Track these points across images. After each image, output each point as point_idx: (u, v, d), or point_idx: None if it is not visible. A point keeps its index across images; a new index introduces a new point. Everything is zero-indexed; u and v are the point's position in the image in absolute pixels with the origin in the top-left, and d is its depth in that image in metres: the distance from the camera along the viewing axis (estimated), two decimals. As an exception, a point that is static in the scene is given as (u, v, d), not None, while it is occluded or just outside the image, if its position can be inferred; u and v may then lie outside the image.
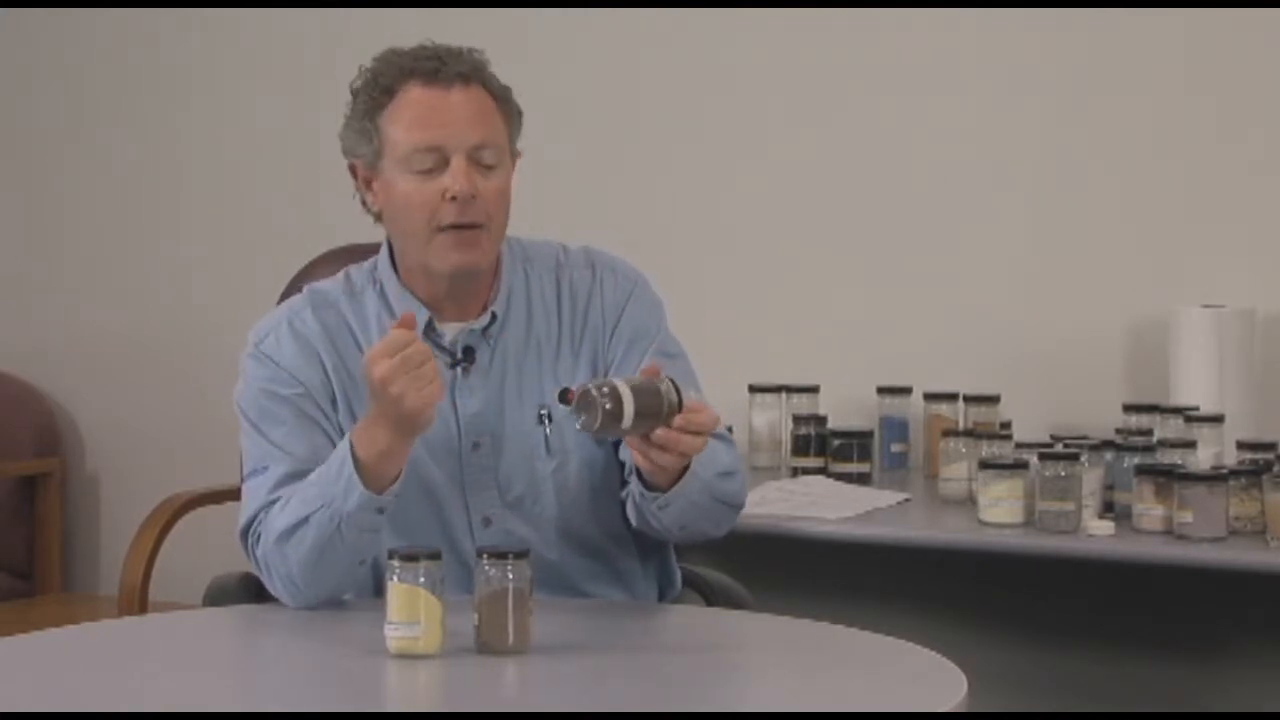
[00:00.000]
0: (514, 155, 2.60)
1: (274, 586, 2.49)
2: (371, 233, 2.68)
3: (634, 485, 2.50)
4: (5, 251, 4.92)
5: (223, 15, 4.59)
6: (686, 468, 2.41)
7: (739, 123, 4.10)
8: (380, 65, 2.57)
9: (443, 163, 2.52)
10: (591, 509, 2.60)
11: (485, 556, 2.23)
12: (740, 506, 2.58)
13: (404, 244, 2.58)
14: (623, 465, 2.59)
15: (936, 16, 3.89)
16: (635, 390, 2.29)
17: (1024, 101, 3.87)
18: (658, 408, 2.30)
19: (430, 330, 2.58)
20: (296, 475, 2.49)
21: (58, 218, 4.85)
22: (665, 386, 2.31)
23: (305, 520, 2.42)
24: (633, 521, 2.54)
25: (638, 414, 2.29)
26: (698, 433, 2.34)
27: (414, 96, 2.53)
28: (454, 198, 2.50)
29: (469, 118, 2.53)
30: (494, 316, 2.59)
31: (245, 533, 2.51)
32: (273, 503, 2.49)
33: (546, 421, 2.59)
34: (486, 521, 2.56)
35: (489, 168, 2.53)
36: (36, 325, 4.88)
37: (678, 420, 2.31)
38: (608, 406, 2.27)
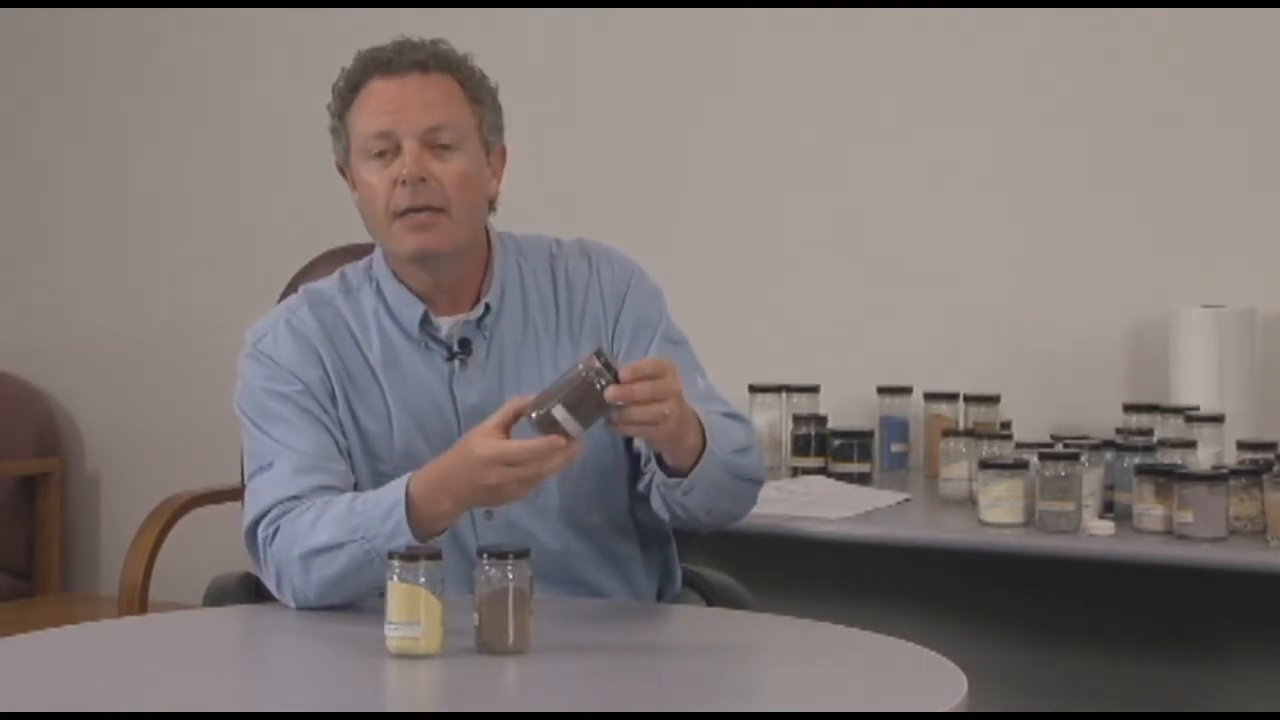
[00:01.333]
0: (486, 141, 2.59)
1: (278, 589, 2.48)
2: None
3: (657, 475, 2.49)
4: (5, 251, 4.92)
5: (223, 15, 4.59)
6: (704, 449, 2.41)
7: (739, 122, 4.10)
8: (351, 65, 2.60)
9: (396, 149, 2.53)
10: (596, 496, 2.60)
11: (485, 556, 2.23)
12: (760, 482, 2.57)
13: (374, 234, 2.60)
14: (638, 457, 2.59)
15: (937, 17, 3.89)
16: (565, 399, 2.26)
17: (1024, 102, 3.87)
18: (586, 392, 2.26)
19: (426, 324, 2.59)
20: (303, 471, 2.49)
21: (58, 218, 4.85)
22: (585, 371, 2.26)
23: (339, 546, 2.40)
24: (662, 515, 2.54)
25: (568, 406, 2.26)
26: (650, 400, 2.28)
27: (374, 89, 2.56)
28: (404, 182, 2.51)
29: (422, 102, 2.53)
30: (488, 308, 2.59)
31: (253, 528, 2.50)
32: (292, 500, 2.47)
33: None
34: (489, 514, 2.55)
35: (446, 150, 2.53)
36: (36, 325, 4.88)
37: (613, 418, 2.28)
38: (540, 413, 2.28)
